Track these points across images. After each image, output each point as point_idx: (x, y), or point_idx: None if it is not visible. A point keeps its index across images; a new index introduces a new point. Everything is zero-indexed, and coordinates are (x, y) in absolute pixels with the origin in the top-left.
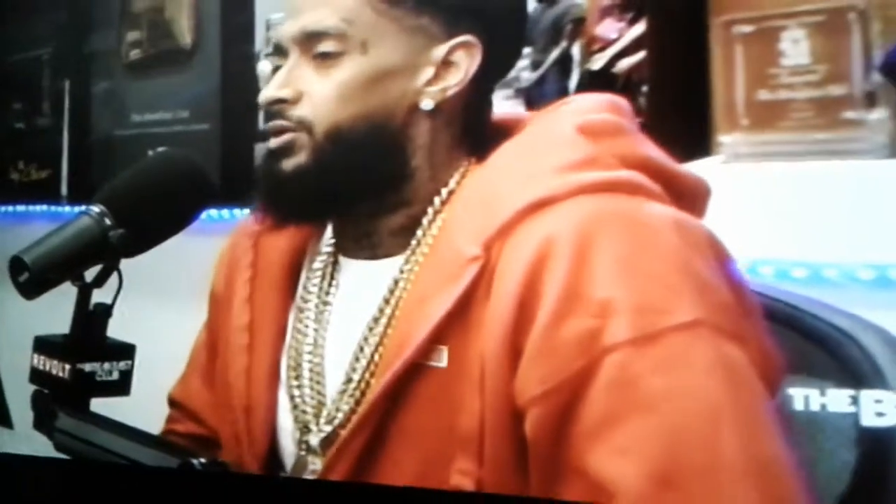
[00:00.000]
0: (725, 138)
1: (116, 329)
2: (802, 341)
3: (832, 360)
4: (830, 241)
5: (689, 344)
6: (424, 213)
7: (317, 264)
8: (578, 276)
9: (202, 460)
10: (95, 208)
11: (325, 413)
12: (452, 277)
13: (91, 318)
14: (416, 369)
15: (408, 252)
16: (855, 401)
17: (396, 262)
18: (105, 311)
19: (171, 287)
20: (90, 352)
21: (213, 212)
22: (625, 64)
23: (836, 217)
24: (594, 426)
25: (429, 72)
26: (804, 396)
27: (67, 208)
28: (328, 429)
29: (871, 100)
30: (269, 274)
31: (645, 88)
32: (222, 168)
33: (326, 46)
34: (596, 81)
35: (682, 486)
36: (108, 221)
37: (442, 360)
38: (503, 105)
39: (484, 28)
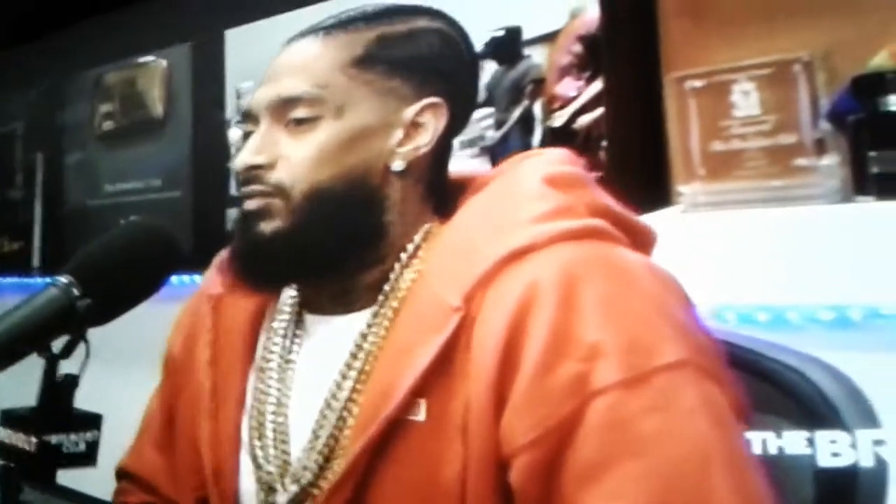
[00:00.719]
0: (684, 188)
1: (83, 398)
2: (760, 383)
3: (789, 399)
4: (790, 284)
5: (677, 384)
6: (392, 268)
7: (277, 323)
8: (564, 320)
9: None
10: (63, 279)
11: (290, 472)
12: (434, 329)
13: (58, 389)
14: (395, 424)
15: (375, 306)
16: (811, 442)
17: (363, 315)
18: (72, 381)
19: (139, 354)
20: (57, 423)
21: (184, 277)
22: (584, 120)
23: (795, 261)
24: (585, 470)
25: (399, 133)
26: (762, 440)
27: (39, 279)
28: (294, 488)
29: (820, 146)
30: (230, 336)
31: (604, 143)
32: (194, 233)
33: (301, 112)
34: (557, 138)
35: None
36: (75, 291)
37: (420, 413)
38: (470, 163)
39: (447, 90)
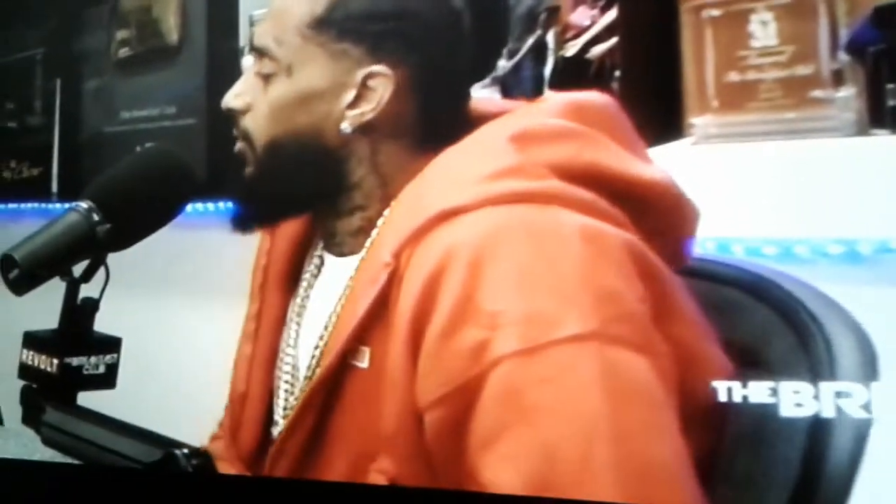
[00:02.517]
0: (696, 120)
1: (102, 322)
2: (782, 326)
3: (802, 348)
4: (800, 218)
5: (573, 357)
6: (380, 215)
7: (312, 258)
8: (472, 287)
9: (185, 451)
10: (84, 204)
11: (290, 406)
12: (372, 281)
13: (79, 313)
14: (347, 368)
15: (363, 252)
16: (774, 392)
17: (355, 260)
18: (92, 305)
19: (157, 280)
20: (77, 346)
21: (198, 205)
22: (598, 50)
23: (806, 194)
24: (484, 435)
25: (351, 95)
26: (727, 388)
27: (58, 205)
28: (283, 423)
29: (838, 78)
30: (279, 262)
31: (618, 74)
32: (208, 162)
33: (263, 66)
34: (570, 68)
35: (554, 494)
36: (95, 217)
37: (364, 360)
38: (480, 93)
39: (409, 51)
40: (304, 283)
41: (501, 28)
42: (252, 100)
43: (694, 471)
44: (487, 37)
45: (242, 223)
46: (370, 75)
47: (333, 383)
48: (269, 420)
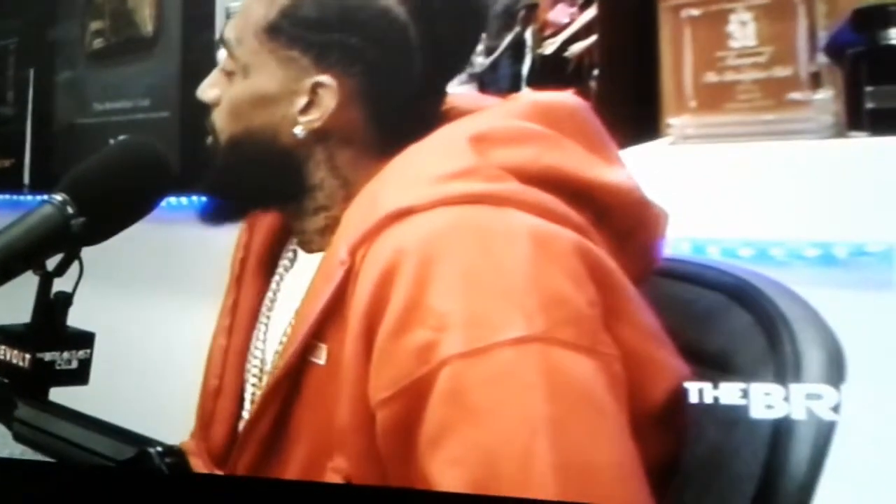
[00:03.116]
0: (674, 120)
1: (76, 317)
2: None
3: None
4: (777, 220)
5: (517, 359)
6: (342, 215)
7: (287, 252)
8: (420, 288)
9: (158, 449)
10: (58, 196)
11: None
12: (327, 279)
13: (52, 307)
14: (303, 365)
15: (328, 249)
16: (745, 394)
17: (318, 258)
18: (65, 299)
19: (131, 274)
20: (50, 341)
21: (172, 199)
22: (576, 48)
23: (783, 196)
24: (432, 435)
25: (302, 101)
26: (698, 389)
27: (30, 197)
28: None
29: (816, 80)
30: (255, 255)
31: (596, 72)
32: (181, 155)
33: (226, 64)
34: (548, 66)
35: (498, 494)
36: (70, 210)
37: (321, 357)
38: (457, 90)
39: (353, 62)
40: (276, 278)
41: (460, 35)
42: (220, 93)
43: (643, 473)
44: (444, 44)
45: (210, 217)
46: (317, 85)
47: (293, 380)
48: (240, 415)
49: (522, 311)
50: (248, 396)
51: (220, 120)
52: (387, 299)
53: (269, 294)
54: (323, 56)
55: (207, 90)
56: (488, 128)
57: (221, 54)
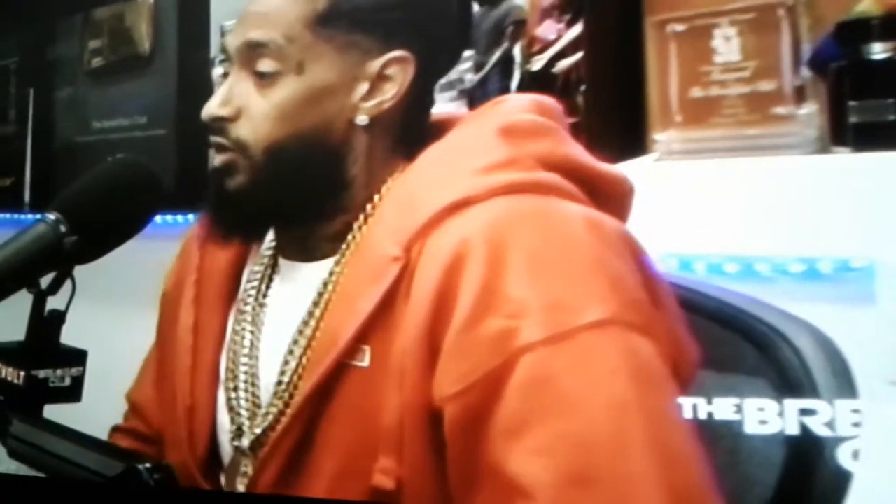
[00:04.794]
0: (660, 136)
1: (69, 335)
2: (738, 340)
3: (765, 359)
4: (762, 235)
5: (601, 343)
6: (357, 219)
7: (257, 266)
8: (493, 276)
9: (147, 465)
10: (51, 215)
11: (258, 415)
12: (376, 278)
13: (45, 325)
14: (341, 369)
15: (338, 255)
16: (739, 409)
17: (328, 264)
18: (59, 317)
19: (124, 292)
20: (44, 358)
21: (167, 217)
22: (563, 64)
23: (768, 212)
24: (509, 426)
25: (364, 87)
26: (692, 404)
27: (30, 215)
28: (258, 431)
29: (800, 95)
30: (214, 276)
31: (583, 88)
32: (178, 173)
33: (264, 66)
34: (536, 82)
35: (594, 484)
36: (63, 228)
37: (365, 359)
38: (447, 106)
39: (417, 40)
40: (251, 292)
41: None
42: (244, 104)
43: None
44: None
45: (225, 232)
46: (390, 62)
47: (329, 384)
48: (214, 431)
49: (596, 295)
50: (242, 411)
51: (254, 129)
52: (455, 291)
53: (248, 308)
54: (389, 35)
55: (222, 107)
56: (513, 121)
57: (218, 71)
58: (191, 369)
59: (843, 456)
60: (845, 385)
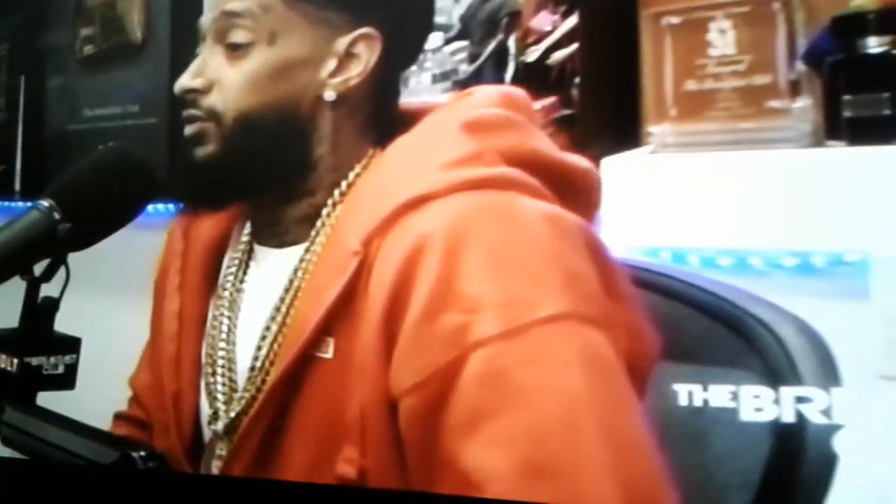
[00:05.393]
0: (654, 129)
1: (62, 322)
2: (723, 331)
3: (751, 350)
4: (755, 229)
5: (554, 336)
6: (325, 203)
7: (235, 252)
8: (450, 272)
9: (141, 453)
10: (44, 202)
11: (234, 400)
12: (338, 271)
13: (39, 312)
14: (308, 360)
15: (308, 242)
16: (735, 396)
17: (298, 250)
18: (52, 304)
19: (117, 280)
20: (37, 346)
21: (159, 205)
22: (558, 56)
23: (762, 205)
24: (465, 419)
25: (332, 63)
26: (688, 391)
27: (21, 203)
28: (232, 415)
29: (795, 88)
30: (197, 263)
31: (577, 80)
32: (169, 161)
33: (237, 36)
34: (530, 73)
35: (548, 475)
36: (56, 215)
37: (329, 351)
38: (441, 98)
39: (387, 20)
40: (229, 278)
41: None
42: (216, 77)
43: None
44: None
45: (193, 203)
46: (358, 39)
47: (295, 375)
48: (198, 416)
49: (551, 290)
50: (219, 396)
51: (226, 99)
52: (411, 286)
53: (225, 294)
54: (361, 11)
55: (193, 79)
56: (478, 115)
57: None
58: (176, 356)
59: (827, 445)
60: (830, 374)
